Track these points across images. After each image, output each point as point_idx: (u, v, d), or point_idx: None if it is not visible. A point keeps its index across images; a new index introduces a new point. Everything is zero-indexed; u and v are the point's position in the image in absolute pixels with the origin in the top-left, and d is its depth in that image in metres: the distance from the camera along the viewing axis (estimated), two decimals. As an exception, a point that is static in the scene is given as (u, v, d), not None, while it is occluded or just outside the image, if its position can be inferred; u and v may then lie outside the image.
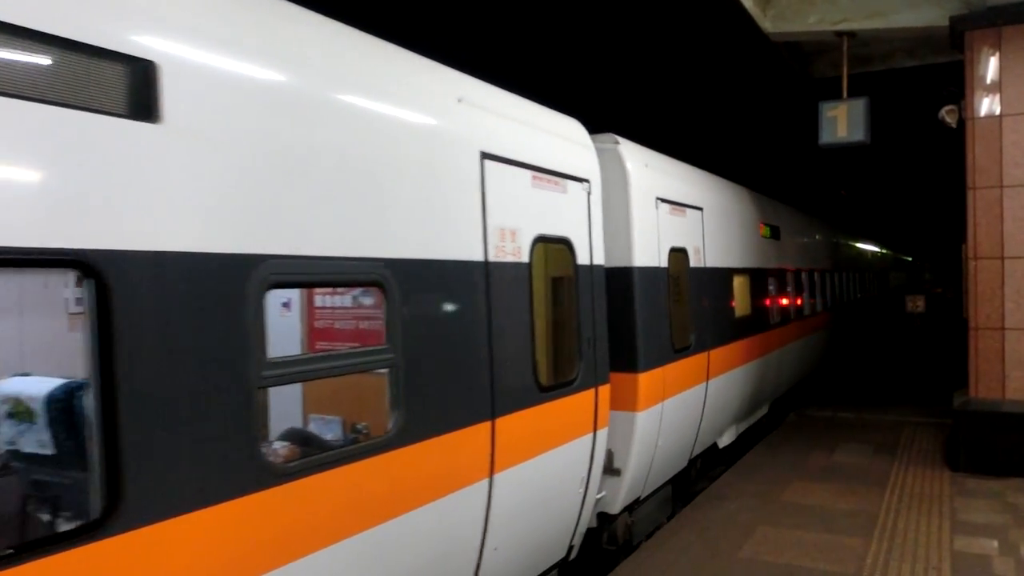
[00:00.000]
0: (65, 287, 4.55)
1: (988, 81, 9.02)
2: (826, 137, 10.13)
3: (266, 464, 3.21)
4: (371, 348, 4.02)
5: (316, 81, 3.60)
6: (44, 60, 2.51)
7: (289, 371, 3.48)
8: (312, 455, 3.56)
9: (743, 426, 10.57)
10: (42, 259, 2.50)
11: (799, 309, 13.49)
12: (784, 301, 12.33)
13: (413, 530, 3.98)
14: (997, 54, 8.95)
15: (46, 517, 3.34)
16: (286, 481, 3.22)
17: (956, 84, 9.41)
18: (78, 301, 4.35)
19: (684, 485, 8.49)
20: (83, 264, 2.53)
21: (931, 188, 26.80)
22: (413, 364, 3.97)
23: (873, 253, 28.99)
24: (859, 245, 24.94)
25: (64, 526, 3.08)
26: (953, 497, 8.14)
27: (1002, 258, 8.93)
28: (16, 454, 3.54)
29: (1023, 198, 8.84)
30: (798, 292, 13.44)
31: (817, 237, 16.44)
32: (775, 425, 12.24)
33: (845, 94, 10.35)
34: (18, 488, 3.51)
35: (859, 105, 9.99)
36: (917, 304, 25.40)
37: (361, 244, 3.71)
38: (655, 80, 16.63)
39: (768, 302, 11.36)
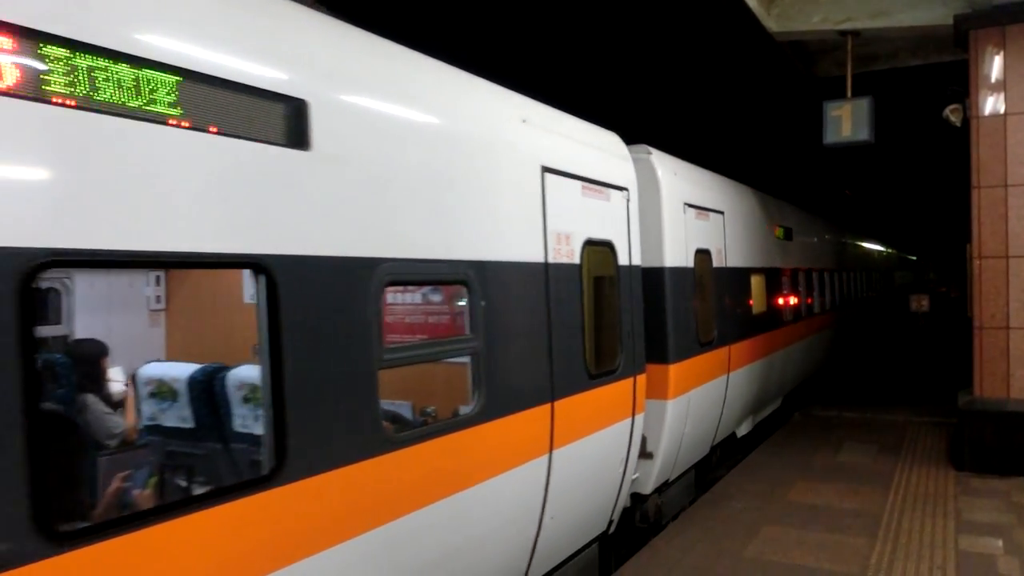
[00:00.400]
0: (147, 285, 5.55)
1: (992, 80, 9.01)
2: (830, 136, 10.12)
3: (385, 433, 3.83)
4: (460, 337, 4.68)
5: (419, 111, 4.27)
6: (236, 102, 3.14)
7: (399, 355, 4.12)
8: (407, 430, 4.24)
9: (759, 417, 11.12)
10: (227, 262, 3.25)
11: (809, 307, 14.05)
12: (796, 300, 12.92)
13: (491, 496, 4.58)
14: (1001, 53, 8.94)
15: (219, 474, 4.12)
16: (401, 447, 3.86)
17: (960, 83, 9.40)
18: (158, 299, 5.79)
19: (705, 471, 8.99)
20: (258, 265, 3.16)
21: (935, 187, 26.74)
22: (491, 351, 4.57)
23: (878, 252, 29.43)
24: (865, 245, 25.47)
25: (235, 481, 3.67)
26: (958, 496, 8.14)
27: (1007, 257, 8.92)
28: (157, 428, 4.49)
29: (1028, 197, 8.84)
30: (809, 291, 14.03)
31: (826, 237, 16.99)
32: (781, 424, 12.24)
33: (849, 93, 10.34)
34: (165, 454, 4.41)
35: (863, 104, 9.98)
36: (921, 303, 25.33)
37: (452, 248, 4.34)
38: (660, 79, 16.63)
39: (782, 300, 11.95)
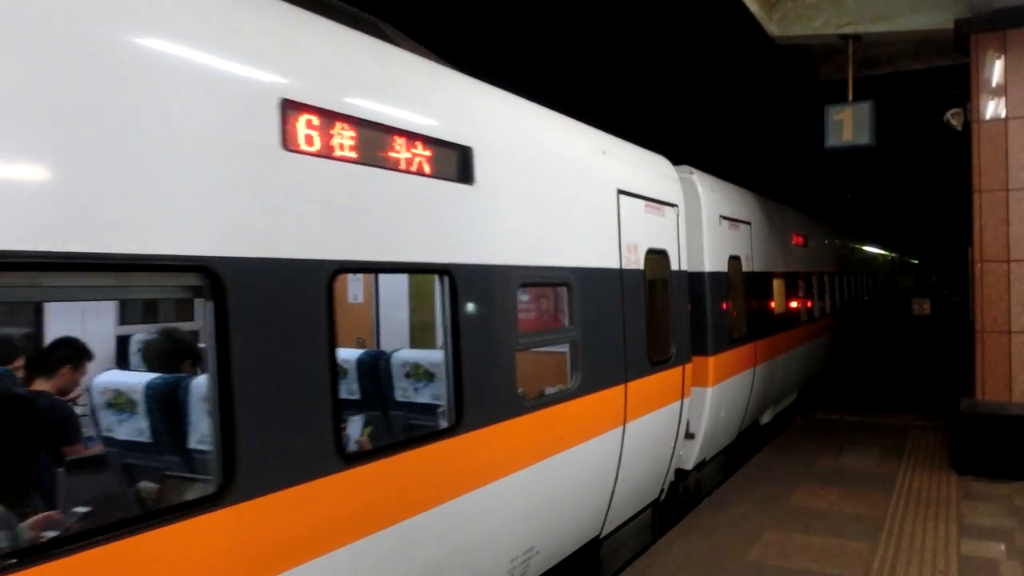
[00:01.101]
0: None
1: (993, 84, 9.01)
2: (832, 140, 10.13)
3: (521, 400, 4.93)
4: (565, 328, 5.66)
5: (540, 148, 5.46)
6: (436, 153, 4.24)
7: (526, 340, 5.16)
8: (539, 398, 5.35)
9: (778, 408, 12.18)
10: (427, 269, 4.28)
11: (822, 309, 15.13)
12: (811, 302, 14.07)
13: (585, 456, 5.64)
14: (1002, 57, 8.95)
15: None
16: (532, 411, 4.99)
17: (961, 87, 9.40)
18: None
19: (732, 456, 9.90)
20: (446, 271, 4.28)
21: (937, 191, 26.73)
22: (585, 340, 5.67)
23: (883, 257, 30.41)
24: (872, 250, 26.53)
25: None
26: (960, 500, 8.13)
27: (1008, 261, 8.92)
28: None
29: (1029, 201, 8.84)
30: (821, 294, 15.12)
31: (836, 243, 18.20)
32: (783, 428, 12.24)
33: (851, 97, 10.35)
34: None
35: (865, 108, 9.99)
36: (923, 307, 25.31)
37: (560, 257, 5.46)
38: (660, 83, 16.65)
39: (798, 302, 13.05)
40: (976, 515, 7.64)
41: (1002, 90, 8.96)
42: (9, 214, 2.36)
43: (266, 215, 3.21)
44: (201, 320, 3.10)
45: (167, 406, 4.14)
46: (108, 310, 5.85)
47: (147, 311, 6.53)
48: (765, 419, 11.43)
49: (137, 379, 4.32)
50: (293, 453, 3.24)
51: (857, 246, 22.56)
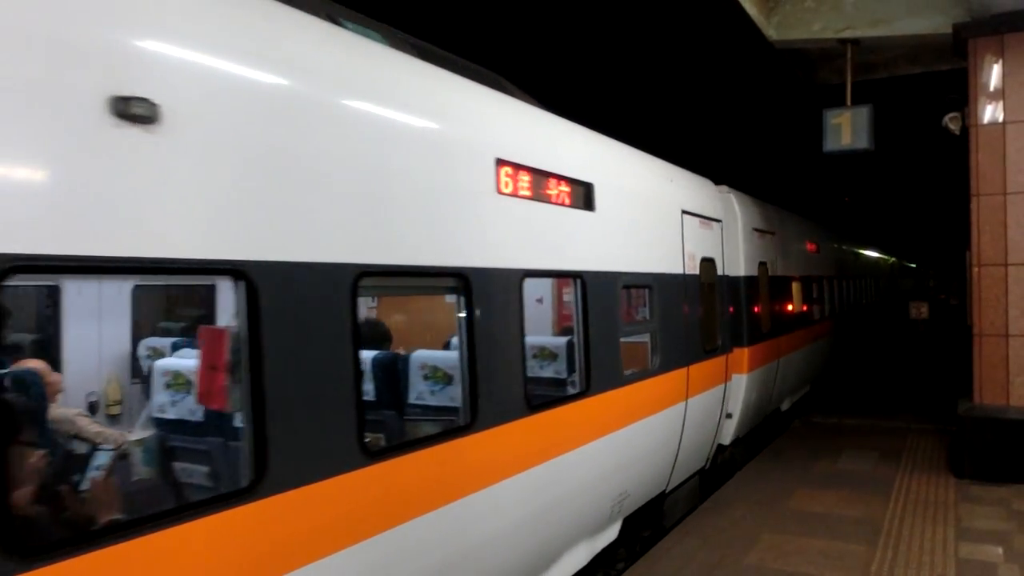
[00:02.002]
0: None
1: (991, 88, 9.04)
2: (830, 145, 10.15)
3: (623, 374, 6.28)
4: (648, 320, 7.14)
5: (632, 180, 7.04)
6: (572, 189, 5.71)
7: (627, 329, 6.61)
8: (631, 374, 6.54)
9: (795, 397, 13.35)
10: (561, 274, 5.73)
11: (832, 309, 16.59)
12: (822, 302, 15.51)
13: (661, 422, 7.03)
14: (1000, 61, 8.97)
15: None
16: (630, 383, 6.39)
17: (959, 91, 9.43)
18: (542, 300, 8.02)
19: (755, 440, 11.02)
20: (580, 278, 5.69)
21: (935, 195, 26.78)
22: (661, 331, 7.16)
23: (884, 261, 31.87)
24: (875, 254, 28.36)
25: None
26: (958, 504, 8.14)
27: (1005, 265, 8.94)
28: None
29: (1027, 205, 8.86)
30: (831, 295, 16.61)
31: (843, 248, 19.96)
32: (781, 431, 12.25)
33: (849, 101, 10.38)
34: None
35: (863, 112, 10.01)
36: (921, 311, 25.31)
37: (647, 265, 6.98)
38: (659, 87, 16.67)
39: (812, 303, 14.46)
40: (974, 518, 7.65)
41: (1000, 94, 8.98)
42: (397, 248, 4.00)
43: (492, 238, 4.74)
44: (457, 309, 4.53)
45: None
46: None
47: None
48: (785, 406, 12.67)
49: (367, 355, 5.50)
50: (505, 403, 4.78)
51: (862, 251, 24.20)
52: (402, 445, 4.15)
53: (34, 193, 2.47)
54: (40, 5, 2.51)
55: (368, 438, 3.70)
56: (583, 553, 5.95)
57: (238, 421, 3.66)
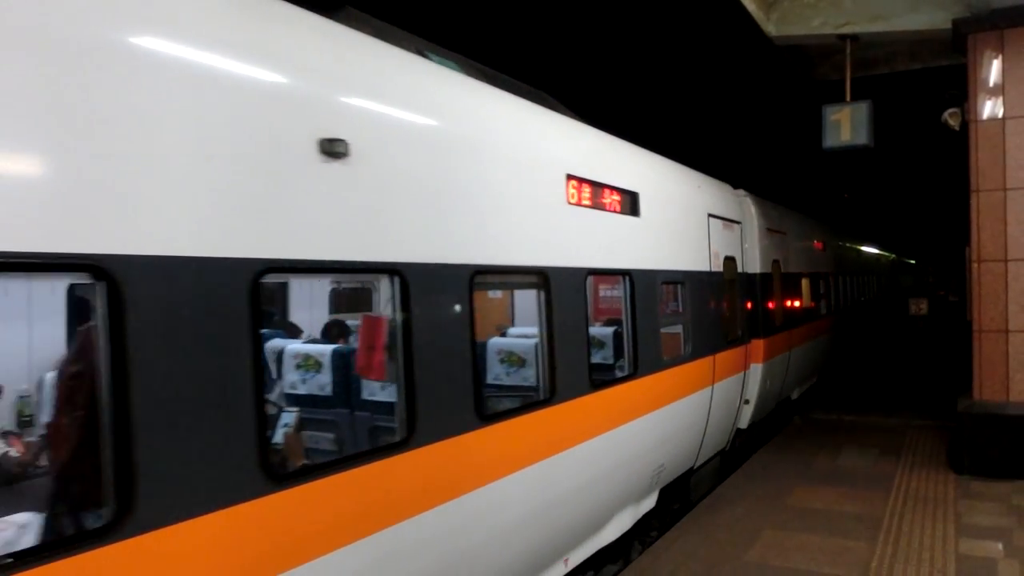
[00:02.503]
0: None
1: (991, 84, 9.03)
2: (829, 141, 10.14)
3: (663, 360, 7.14)
4: (681, 313, 7.92)
5: (667, 188, 7.81)
6: (621, 197, 6.50)
7: (664, 320, 7.41)
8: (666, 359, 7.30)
9: (804, 387, 14.04)
10: (619, 273, 6.47)
11: (838, 304, 17.39)
12: (829, 298, 16.31)
13: (692, 404, 7.87)
14: (999, 57, 8.96)
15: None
16: (668, 367, 7.24)
17: (959, 87, 9.41)
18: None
19: (767, 425, 11.65)
20: (629, 275, 6.52)
21: (934, 191, 26.76)
22: (692, 323, 7.96)
23: (886, 258, 32.71)
24: (878, 252, 29.27)
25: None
26: (957, 500, 8.14)
27: (1005, 260, 8.93)
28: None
29: (1027, 201, 8.85)
30: (837, 292, 17.43)
31: (847, 246, 20.95)
32: (781, 428, 12.25)
33: (848, 97, 10.37)
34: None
35: (862, 108, 10.00)
36: (920, 307, 25.31)
37: (678, 263, 7.74)
38: (658, 82, 16.65)
39: (819, 298, 15.30)
40: (974, 514, 7.65)
41: (999, 90, 8.97)
42: (500, 251, 4.79)
43: (563, 242, 5.55)
44: (539, 301, 5.28)
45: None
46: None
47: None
48: (795, 395, 13.39)
49: None
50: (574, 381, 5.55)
51: (865, 249, 25.18)
52: (506, 412, 4.98)
53: (272, 213, 3.25)
54: (279, 78, 3.43)
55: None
56: (629, 517, 6.83)
57: (365, 394, 5.18)
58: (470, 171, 4.57)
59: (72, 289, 4.41)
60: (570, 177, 5.68)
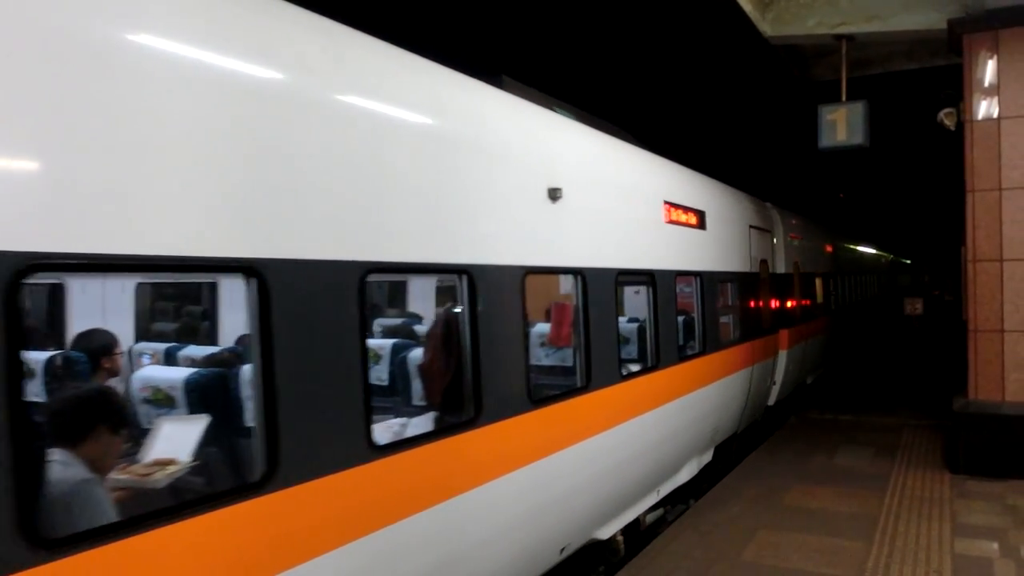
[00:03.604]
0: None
1: (986, 84, 9.04)
2: (825, 141, 10.15)
3: (721, 342, 8.92)
4: (730, 306, 9.58)
5: (723, 205, 9.59)
6: (690, 215, 8.30)
7: (721, 312, 9.12)
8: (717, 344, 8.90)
9: (815, 375, 15.57)
10: (690, 275, 8.18)
11: (844, 302, 19.37)
12: (836, 295, 18.21)
13: (738, 379, 9.62)
14: (995, 57, 8.97)
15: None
16: (723, 348, 9.02)
17: (954, 87, 9.42)
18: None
19: (785, 408, 13.03)
20: (700, 276, 8.39)
21: (930, 191, 26.81)
22: (740, 314, 9.88)
23: (885, 258, 34.67)
24: (878, 253, 31.49)
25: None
26: (953, 499, 8.15)
27: (1000, 260, 8.94)
28: None
29: (1022, 200, 8.85)
30: (843, 290, 19.35)
31: (851, 248, 23.15)
32: (776, 427, 12.26)
33: (844, 97, 10.37)
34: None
35: (858, 108, 10.01)
36: (916, 307, 25.35)
37: (731, 265, 9.58)
38: (653, 81, 16.64)
39: (828, 296, 17.13)
40: (970, 514, 7.66)
41: (995, 90, 8.98)
42: (634, 260, 6.76)
43: (662, 251, 7.38)
44: (647, 295, 7.07)
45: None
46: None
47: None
48: (809, 380, 15.00)
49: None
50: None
51: (868, 250, 27.53)
52: (635, 373, 6.69)
53: (525, 236, 5.11)
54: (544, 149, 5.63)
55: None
56: (695, 465, 8.57)
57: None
58: (615, 202, 6.57)
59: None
60: (667, 203, 7.60)
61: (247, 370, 3.94)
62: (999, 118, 8.96)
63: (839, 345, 18.33)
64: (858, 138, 9.97)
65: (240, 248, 3.02)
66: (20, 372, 2.40)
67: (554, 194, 5.36)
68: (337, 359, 3.41)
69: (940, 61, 10.97)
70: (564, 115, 6.30)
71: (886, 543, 6.91)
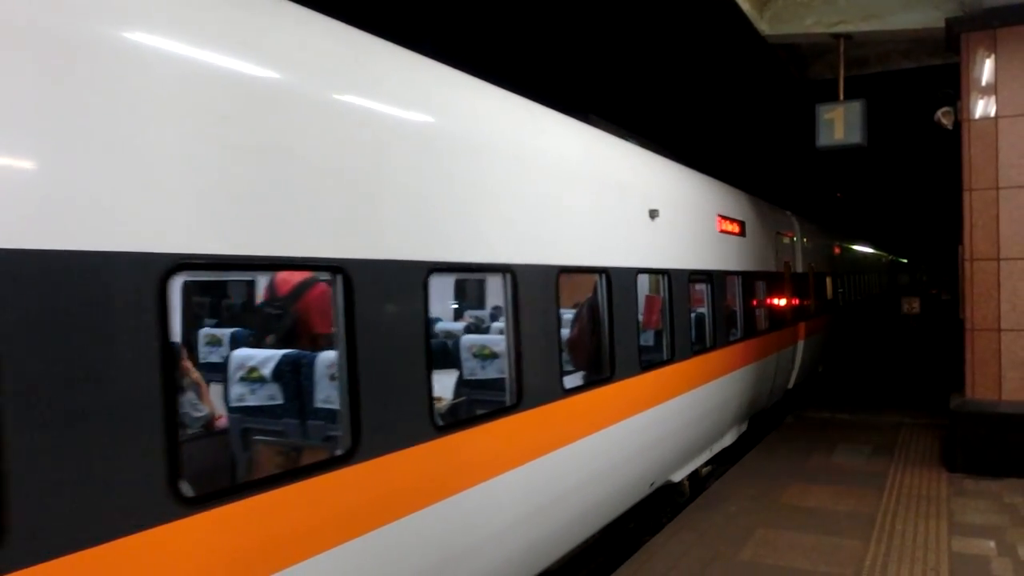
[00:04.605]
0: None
1: (984, 83, 9.04)
2: (823, 140, 10.14)
3: (757, 332, 10.98)
4: (761, 302, 11.18)
5: (757, 214, 11.51)
6: (738, 226, 10.42)
7: (758, 303, 11.13)
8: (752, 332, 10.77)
9: (824, 365, 17.12)
10: (733, 274, 9.90)
11: (852, 299, 21.51)
12: (844, 293, 20.04)
13: (768, 364, 11.38)
14: (992, 56, 8.97)
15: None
16: (768, 333, 11.52)
17: (952, 86, 9.42)
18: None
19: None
20: (742, 275, 10.27)
21: (927, 190, 26.84)
22: (769, 308, 11.62)
23: (885, 258, 36.01)
24: (878, 252, 32.96)
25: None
26: (950, 498, 8.16)
27: (998, 259, 8.95)
28: None
29: (1019, 199, 8.86)
30: (849, 288, 21.23)
31: (857, 249, 25.00)
32: (774, 426, 12.27)
33: (842, 96, 10.37)
34: None
35: (856, 107, 10.00)
36: (913, 306, 25.38)
37: (765, 265, 11.55)
38: (653, 80, 16.64)
39: (836, 293, 18.78)
40: (967, 512, 7.67)
41: (992, 89, 8.98)
42: (700, 262, 8.68)
43: (715, 255, 9.08)
44: (707, 292, 8.75)
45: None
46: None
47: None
48: (820, 368, 16.68)
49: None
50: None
51: (869, 250, 29.21)
52: (701, 349, 8.53)
53: (636, 246, 6.85)
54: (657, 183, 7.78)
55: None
56: (735, 433, 10.47)
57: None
58: (688, 217, 8.32)
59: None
60: (719, 215, 9.32)
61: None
62: (997, 117, 8.96)
63: (845, 338, 20.20)
64: (856, 137, 9.97)
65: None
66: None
67: (653, 214, 7.20)
68: (548, 332, 5.29)
69: (938, 60, 10.98)
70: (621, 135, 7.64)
71: (883, 541, 6.92)
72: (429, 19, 12.80)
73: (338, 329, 3.65)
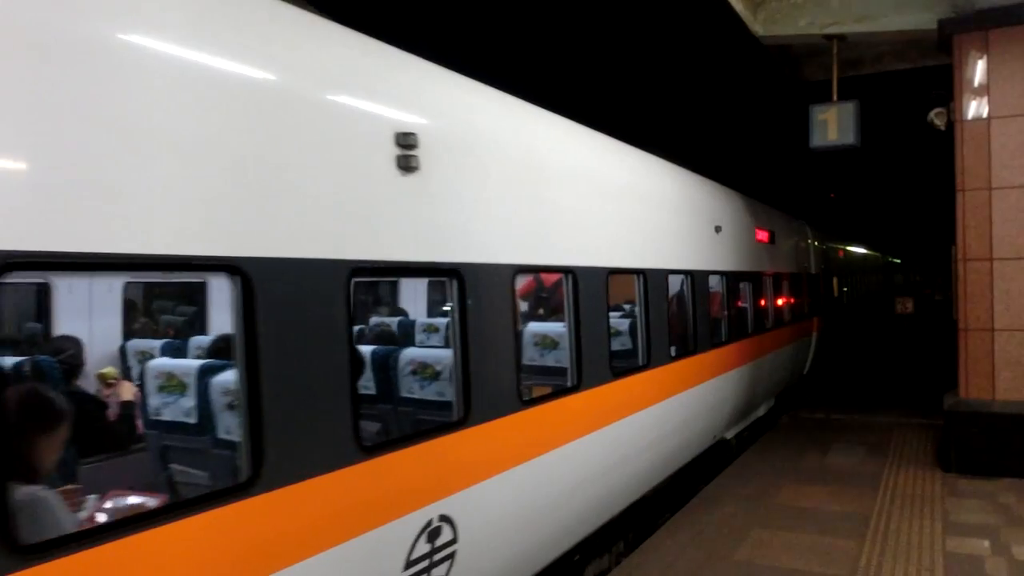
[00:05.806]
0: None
1: (976, 84, 9.08)
2: (816, 140, 10.17)
3: (784, 322, 13.28)
4: (787, 298, 13.30)
5: (784, 226, 13.85)
6: (768, 234, 12.35)
7: (782, 300, 13.13)
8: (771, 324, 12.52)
9: (832, 355, 18.68)
10: (764, 275, 11.95)
11: (855, 297, 23.77)
12: (850, 292, 22.52)
13: (790, 350, 13.48)
14: (984, 57, 9.01)
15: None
16: (786, 326, 13.31)
17: (945, 87, 9.45)
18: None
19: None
20: (769, 275, 12.34)
21: (920, 190, 26.93)
22: (790, 303, 13.56)
23: (882, 259, 37.99)
24: (876, 253, 35.22)
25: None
26: (945, 498, 8.18)
27: (991, 259, 8.98)
28: None
29: (1012, 200, 8.90)
30: (854, 287, 23.65)
31: (857, 251, 26.81)
32: (769, 427, 12.29)
33: (835, 97, 10.40)
34: None
35: (849, 108, 10.03)
36: (906, 306, 25.47)
37: (786, 268, 13.52)
38: (645, 81, 16.66)
39: (842, 292, 20.98)
40: (961, 512, 7.69)
41: (984, 90, 9.02)
42: (738, 265, 10.41)
43: (754, 258, 11.21)
44: (748, 290, 10.88)
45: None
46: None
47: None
48: (827, 359, 18.28)
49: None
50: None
51: (869, 252, 31.30)
52: (748, 333, 10.59)
53: (704, 253, 8.92)
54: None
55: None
56: (764, 408, 12.37)
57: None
58: (738, 229, 10.20)
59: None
60: (756, 227, 11.21)
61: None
62: (989, 118, 9.00)
63: (848, 333, 22.43)
64: (849, 138, 10.00)
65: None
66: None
67: (717, 229, 9.16)
68: (632, 320, 7.11)
69: (930, 61, 11.01)
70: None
71: (878, 541, 6.93)
72: (427, 20, 12.80)
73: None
